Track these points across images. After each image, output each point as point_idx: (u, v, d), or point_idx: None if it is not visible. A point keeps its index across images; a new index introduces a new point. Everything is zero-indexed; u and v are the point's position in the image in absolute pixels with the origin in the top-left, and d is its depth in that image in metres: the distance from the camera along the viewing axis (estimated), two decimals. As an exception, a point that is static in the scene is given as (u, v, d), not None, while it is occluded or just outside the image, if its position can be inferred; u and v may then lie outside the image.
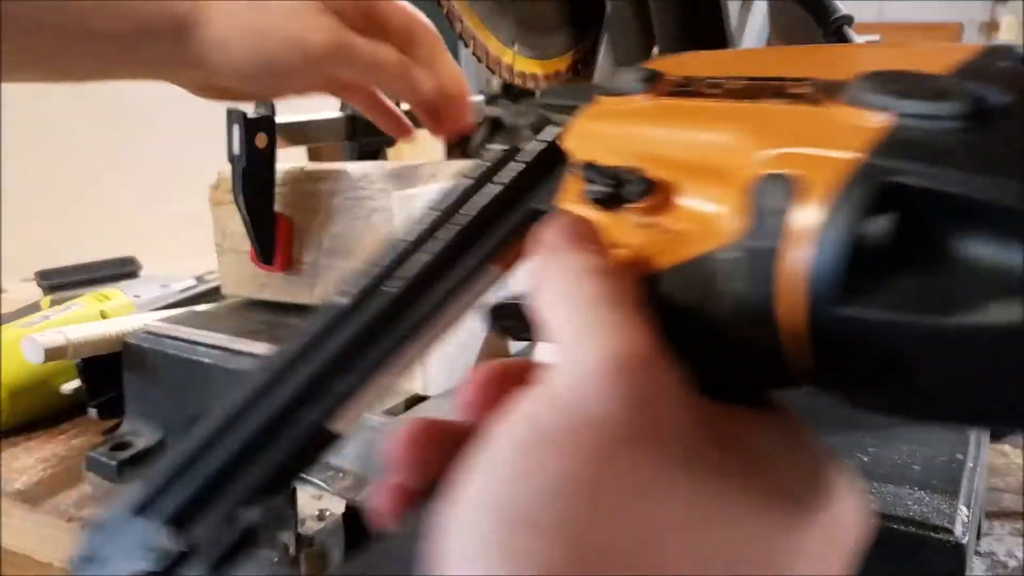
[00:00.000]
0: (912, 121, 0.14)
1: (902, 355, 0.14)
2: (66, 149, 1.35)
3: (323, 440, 0.22)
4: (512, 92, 0.52)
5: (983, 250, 0.13)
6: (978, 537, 0.40)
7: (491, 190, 0.24)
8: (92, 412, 0.55)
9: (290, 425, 0.22)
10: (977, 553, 0.39)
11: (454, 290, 0.23)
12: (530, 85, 0.49)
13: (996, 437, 0.50)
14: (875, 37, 0.58)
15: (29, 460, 0.53)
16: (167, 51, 0.44)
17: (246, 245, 0.56)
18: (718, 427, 0.15)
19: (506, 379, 0.18)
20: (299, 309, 0.56)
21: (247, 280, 0.58)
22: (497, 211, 0.24)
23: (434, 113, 0.48)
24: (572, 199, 0.22)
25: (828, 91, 0.17)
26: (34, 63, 0.43)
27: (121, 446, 0.51)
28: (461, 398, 0.18)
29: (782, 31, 0.53)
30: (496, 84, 0.53)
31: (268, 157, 0.54)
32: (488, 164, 0.25)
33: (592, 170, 0.20)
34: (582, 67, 0.52)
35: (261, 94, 0.49)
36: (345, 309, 0.23)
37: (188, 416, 0.51)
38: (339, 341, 0.22)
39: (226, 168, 0.55)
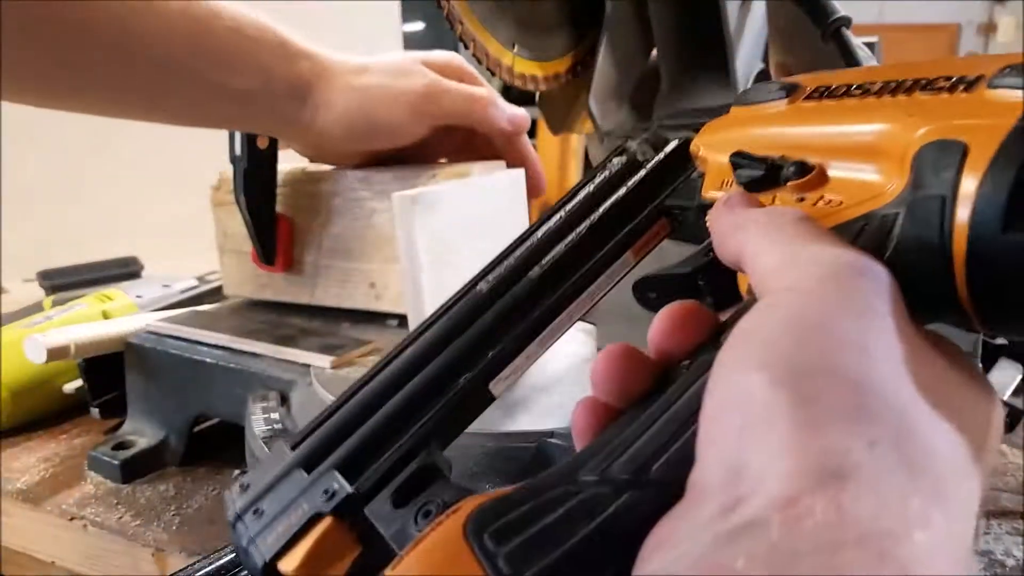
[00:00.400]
0: None
1: None
2: (68, 149, 1.35)
3: (482, 399, 0.26)
4: (512, 94, 0.53)
5: None
6: (975, 536, 0.40)
7: (621, 193, 0.29)
8: (94, 412, 0.55)
9: (452, 386, 0.26)
10: (975, 552, 0.39)
11: (597, 272, 0.28)
12: (530, 87, 0.49)
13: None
14: (874, 39, 0.58)
15: (31, 459, 0.53)
16: (286, 110, 0.48)
17: (247, 246, 0.56)
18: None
19: (691, 317, 0.21)
20: (300, 309, 0.56)
21: (248, 280, 0.58)
22: (630, 209, 0.29)
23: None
24: (715, 189, 0.26)
25: (963, 84, 0.21)
26: (168, 110, 0.48)
27: (123, 445, 0.51)
28: (654, 329, 0.21)
29: (780, 32, 0.54)
30: (496, 85, 0.53)
31: (269, 158, 0.54)
32: (609, 173, 0.30)
33: (744, 157, 0.24)
34: (581, 69, 0.52)
35: (368, 149, 0.52)
36: (492, 291, 0.27)
37: (190, 415, 0.51)
38: (491, 316, 0.26)
39: (227, 169, 0.55)
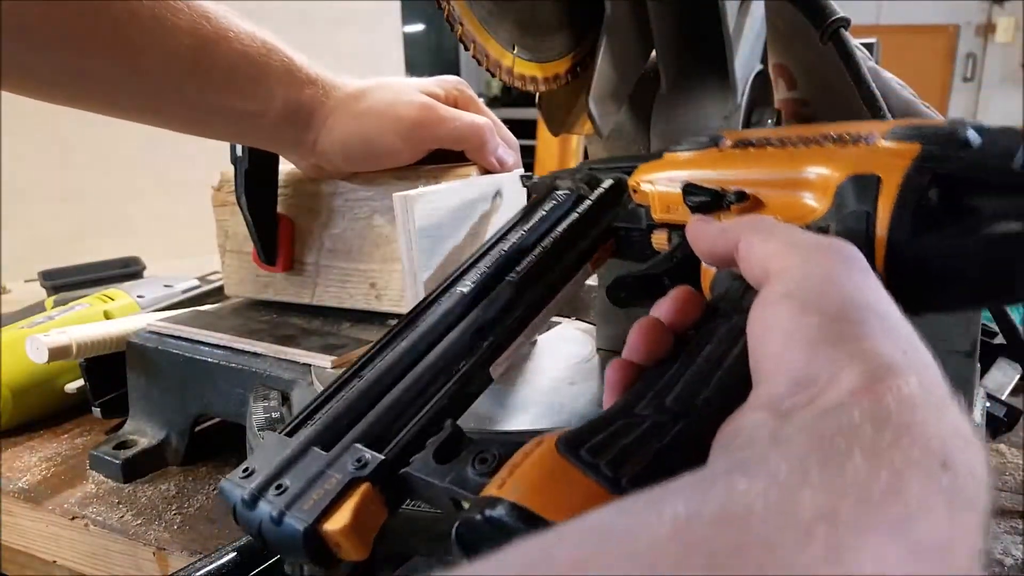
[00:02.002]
0: (933, 146, 0.26)
1: (951, 264, 0.25)
2: (69, 149, 1.35)
3: (483, 380, 0.31)
4: (512, 94, 0.53)
5: (986, 199, 0.25)
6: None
7: (573, 217, 0.36)
8: (96, 411, 0.56)
9: (455, 369, 0.30)
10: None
11: (565, 278, 0.34)
12: (530, 88, 0.50)
13: (993, 436, 0.51)
14: (872, 40, 0.58)
15: (32, 459, 0.53)
16: (286, 134, 0.49)
17: (248, 246, 0.57)
18: None
19: (692, 298, 0.27)
20: (301, 309, 0.56)
21: (250, 280, 0.59)
22: (584, 229, 0.36)
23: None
24: (661, 212, 0.34)
25: (862, 139, 0.28)
26: (168, 121, 0.48)
27: (124, 445, 0.52)
28: (666, 307, 0.27)
29: (779, 34, 0.54)
30: (496, 86, 0.53)
31: (271, 159, 0.54)
32: (557, 202, 0.37)
33: (693, 187, 0.31)
34: (581, 70, 0.52)
35: (366, 170, 0.53)
36: (474, 293, 0.32)
37: (191, 415, 0.51)
38: (480, 313, 0.32)
39: (229, 169, 0.55)
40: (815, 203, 0.28)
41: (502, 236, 0.36)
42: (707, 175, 0.32)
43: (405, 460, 0.26)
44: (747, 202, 0.30)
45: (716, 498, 0.15)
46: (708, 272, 0.30)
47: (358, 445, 0.26)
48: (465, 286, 0.33)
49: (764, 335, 0.21)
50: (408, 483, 0.26)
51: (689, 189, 0.31)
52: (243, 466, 0.26)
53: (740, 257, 0.25)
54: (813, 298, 0.21)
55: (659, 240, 0.35)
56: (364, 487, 0.25)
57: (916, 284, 0.25)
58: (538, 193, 0.40)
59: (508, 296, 0.32)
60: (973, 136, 0.26)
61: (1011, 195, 0.25)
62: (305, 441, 0.27)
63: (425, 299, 0.33)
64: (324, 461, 0.26)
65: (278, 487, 0.25)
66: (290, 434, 0.28)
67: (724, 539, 0.14)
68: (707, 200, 0.30)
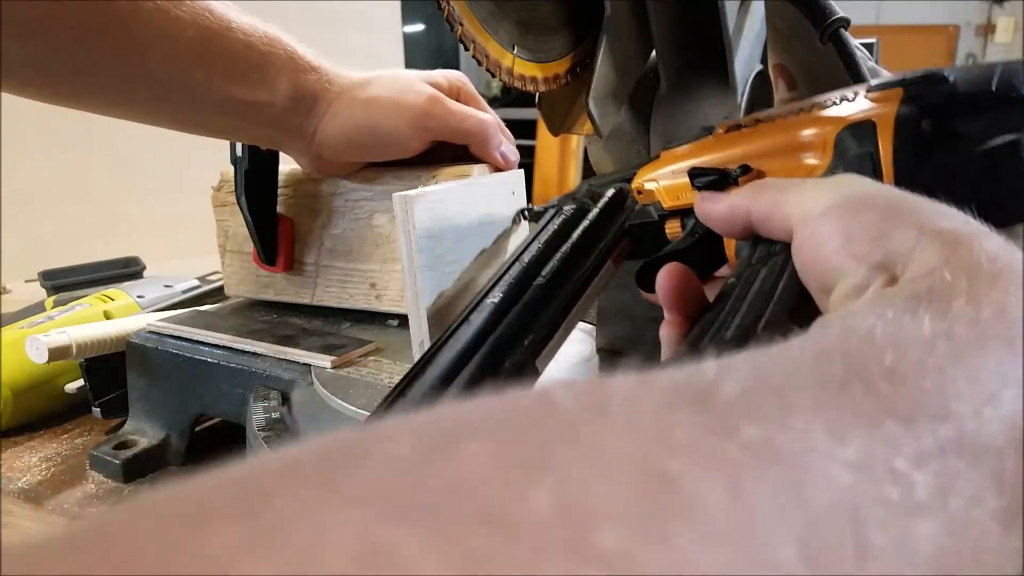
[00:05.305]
0: (914, 87, 0.28)
1: (953, 184, 0.26)
2: (69, 149, 1.35)
3: (531, 372, 0.32)
4: (512, 94, 0.53)
5: (972, 121, 0.27)
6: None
7: (584, 224, 0.38)
8: (96, 411, 0.55)
9: (503, 369, 0.31)
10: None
11: (590, 277, 0.36)
12: (530, 88, 0.50)
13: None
14: (872, 40, 0.58)
15: (32, 459, 0.53)
16: (290, 121, 0.49)
17: (249, 246, 0.57)
18: None
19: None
20: (301, 309, 0.56)
21: (250, 281, 0.59)
22: (596, 232, 0.38)
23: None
24: (671, 201, 0.36)
25: (847, 99, 0.30)
26: (171, 117, 0.48)
27: (125, 445, 0.51)
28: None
29: (779, 34, 0.54)
30: (496, 86, 0.53)
31: (271, 158, 0.54)
32: (566, 216, 0.38)
33: (699, 169, 0.32)
34: (580, 70, 0.52)
35: (367, 161, 0.53)
36: (507, 301, 0.33)
37: (192, 415, 0.51)
38: (516, 315, 0.33)
39: (229, 169, 0.55)
40: (816, 160, 0.30)
41: (519, 255, 0.37)
42: (708, 160, 0.34)
43: None
44: (751, 173, 0.31)
45: (832, 330, 0.16)
46: (731, 240, 0.32)
47: None
48: (495, 297, 0.34)
49: (820, 247, 0.22)
50: None
51: (694, 172, 0.32)
52: None
53: (758, 224, 0.26)
54: (857, 202, 0.22)
55: (672, 228, 0.37)
56: None
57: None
58: (544, 218, 0.41)
59: (540, 296, 0.34)
60: (949, 72, 0.29)
61: (993, 113, 0.27)
62: None
63: (453, 322, 0.34)
64: None
65: None
66: None
67: (852, 348, 0.15)
68: (714, 178, 0.32)
